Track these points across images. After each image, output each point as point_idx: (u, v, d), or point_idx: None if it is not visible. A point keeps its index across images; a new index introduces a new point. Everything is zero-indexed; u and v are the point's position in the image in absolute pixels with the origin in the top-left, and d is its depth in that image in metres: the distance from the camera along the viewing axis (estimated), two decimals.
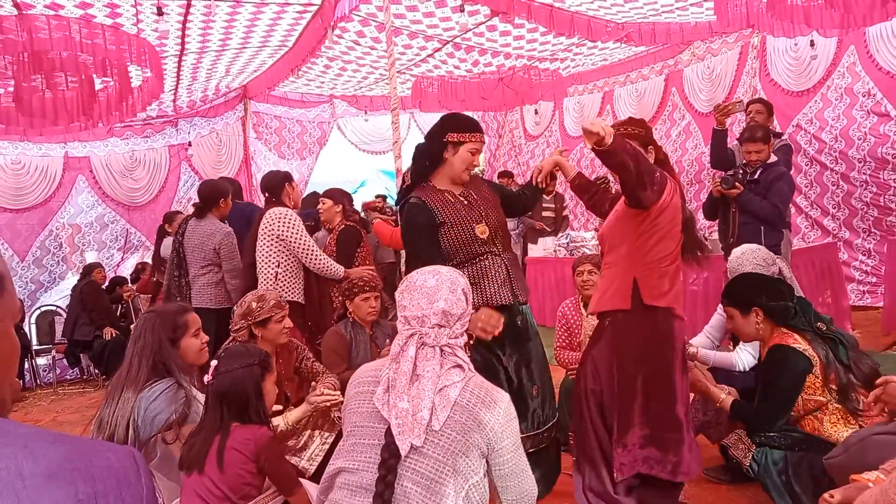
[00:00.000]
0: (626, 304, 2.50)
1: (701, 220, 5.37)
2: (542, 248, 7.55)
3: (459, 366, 1.69)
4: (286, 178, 4.17)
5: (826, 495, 1.75)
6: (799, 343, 2.69)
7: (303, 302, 4.00)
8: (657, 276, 2.49)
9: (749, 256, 3.32)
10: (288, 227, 3.87)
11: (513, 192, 3.12)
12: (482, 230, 2.70)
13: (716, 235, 4.75)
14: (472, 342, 1.85)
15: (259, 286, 3.80)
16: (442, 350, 1.69)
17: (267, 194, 4.13)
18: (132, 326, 3.04)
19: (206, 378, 2.14)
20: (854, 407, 2.64)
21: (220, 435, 2.02)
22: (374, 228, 5.30)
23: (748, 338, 2.94)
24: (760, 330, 2.82)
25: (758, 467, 2.70)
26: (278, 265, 3.89)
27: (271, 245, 3.89)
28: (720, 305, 3.65)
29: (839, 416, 2.67)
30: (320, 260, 3.92)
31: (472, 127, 2.78)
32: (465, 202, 2.75)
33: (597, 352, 2.59)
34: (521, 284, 2.81)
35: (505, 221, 2.87)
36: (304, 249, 3.89)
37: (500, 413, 1.65)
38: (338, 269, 3.97)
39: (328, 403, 2.72)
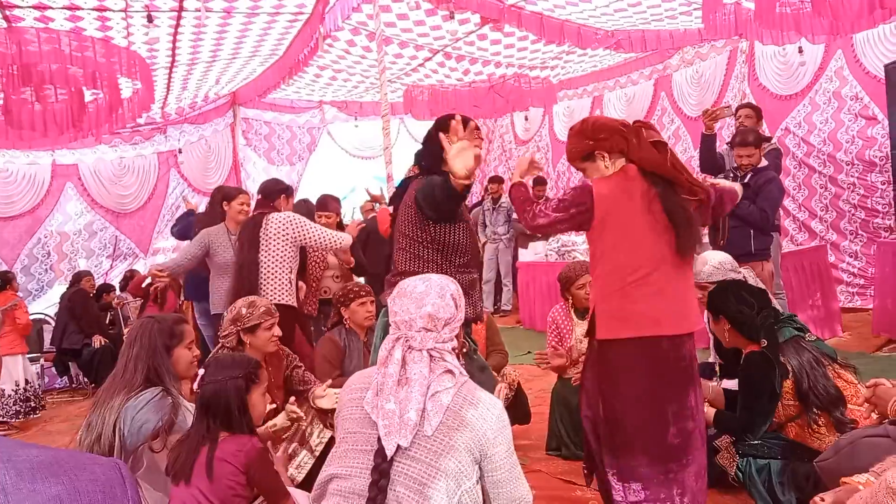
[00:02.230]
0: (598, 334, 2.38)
1: None
2: (532, 252, 7.53)
3: (450, 371, 1.68)
4: (286, 190, 4.20)
5: (817, 498, 1.75)
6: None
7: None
8: (619, 297, 2.29)
9: (700, 261, 3.27)
10: (299, 228, 3.87)
11: None
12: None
13: (706, 238, 4.77)
14: (465, 350, 1.83)
15: (268, 290, 3.76)
16: (430, 355, 1.68)
17: (261, 196, 4.11)
18: (124, 334, 3.01)
19: (194, 387, 2.12)
20: (815, 420, 2.63)
21: (207, 445, 2.00)
22: (378, 216, 5.31)
23: (723, 341, 2.95)
24: (728, 338, 2.85)
25: (742, 476, 2.73)
26: (291, 271, 3.88)
27: (287, 249, 3.85)
28: None
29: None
30: (332, 236, 3.98)
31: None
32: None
33: (606, 385, 2.37)
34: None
35: None
36: (319, 236, 3.92)
37: (490, 417, 1.64)
38: (346, 237, 4.08)
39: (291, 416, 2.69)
